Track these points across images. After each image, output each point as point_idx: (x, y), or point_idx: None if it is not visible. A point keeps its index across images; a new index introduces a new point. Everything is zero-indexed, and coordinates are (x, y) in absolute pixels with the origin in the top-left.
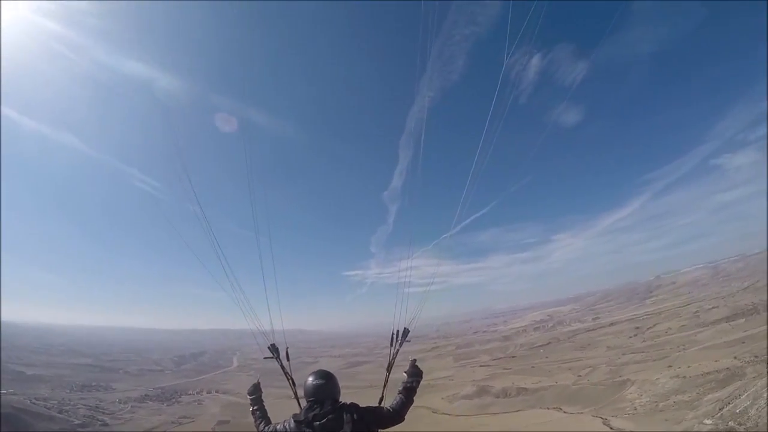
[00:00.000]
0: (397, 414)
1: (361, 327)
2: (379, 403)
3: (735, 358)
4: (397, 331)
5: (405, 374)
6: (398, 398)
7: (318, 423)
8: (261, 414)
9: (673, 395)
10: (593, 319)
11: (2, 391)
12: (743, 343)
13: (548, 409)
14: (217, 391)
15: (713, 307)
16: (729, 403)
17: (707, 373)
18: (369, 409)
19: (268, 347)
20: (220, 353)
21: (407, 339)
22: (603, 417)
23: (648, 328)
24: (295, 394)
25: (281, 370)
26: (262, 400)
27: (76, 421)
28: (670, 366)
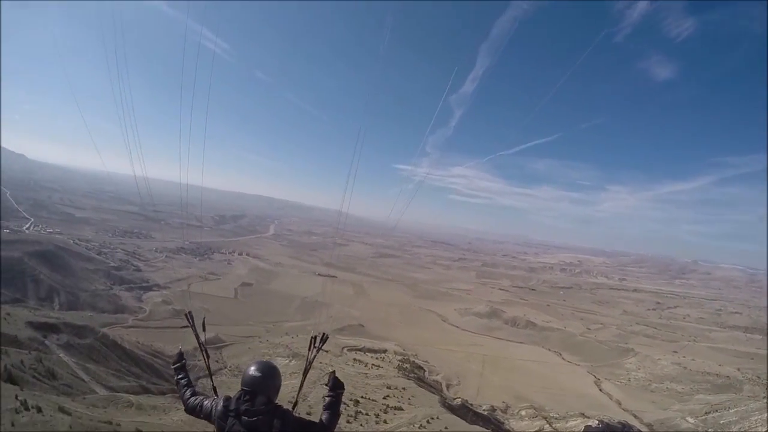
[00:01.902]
0: (328, 430)
1: (399, 222)
2: (293, 408)
3: (738, 369)
4: (317, 336)
5: (326, 387)
6: (325, 414)
7: (246, 419)
8: (186, 383)
9: (668, 381)
10: (620, 279)
11: (48, 230)
12: (752, 359)
13: (549, 350)
14: (248, 254)
15: (736, 312)
16: (716, 411)
17: (707, 373)
18: (301, 421)
19: (185, 314)
20: (259, 219)
21: (324, 349)
22: (597, 376)
23: (668, 308)
24: (208, 367)
25: (196, 339)
26: (186, 369)
27: (112, 264)
28: (676, 352)
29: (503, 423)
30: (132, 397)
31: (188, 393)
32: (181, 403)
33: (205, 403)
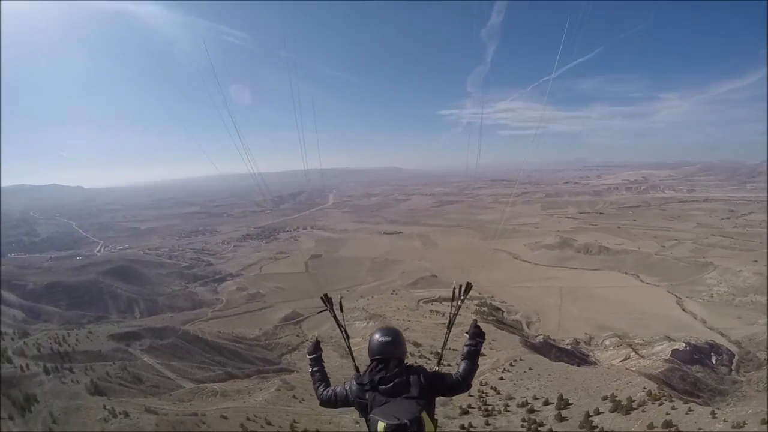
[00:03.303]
0: (465, 381)
1: (454, 167)
2: (438, 362)
3: None
4: (460, 285)
5: (467, 335)
6: (463, 364)
7: (384, 387)
8: (321, 376)
9: (752, 293)
10: (688, 191)
11: (118, 248)
12: None
13: (626, 274)
14: (312, 228)
15: None
16: None
17: None
18: (437, 375)
19: (321, 297)
20: (317, 192)
21: (468, 295)
22: (678, 295)
23: (743, 215)
24: (349, 348)
25: (334, 321)
26: (322, 361)
27: (184, 264)
28: (756, 261)
29: (588, 355)
30: (217, 386)
31: (321, 388)
32: (316, 395)
33: (338, 390)
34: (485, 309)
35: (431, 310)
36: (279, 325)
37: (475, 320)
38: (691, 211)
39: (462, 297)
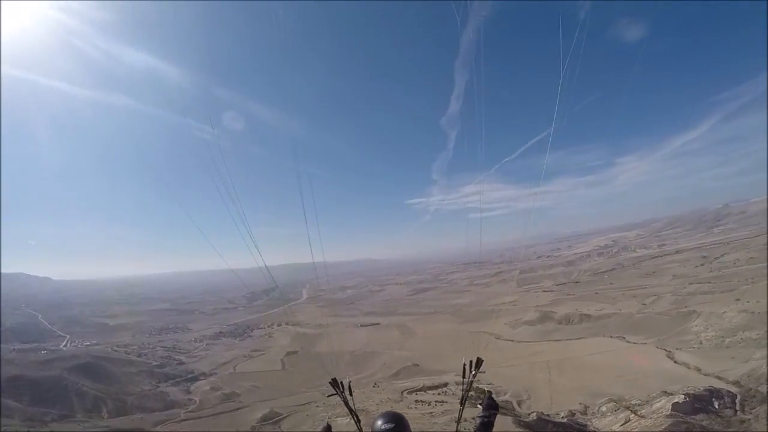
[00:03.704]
0: None
1: (426, 254)
2: None
3: None
4: (471, 361)
5: (480, 407)
6: None
7: None
8: None
9: (741, 331)
10: (659, 246)
11: (86, 343)
12: None
13: (611, 337)
14: (287, 323)
15: None
16: None
17: None
18: None
19: (329, 382)
20: (290, 287)
21: (482, 370)
22: (667, 349)
23: (715, 258)
24: (360, 430)
25: (345, 404)
26: None
27: (154, 363)
28: (738, 299)
29: (586, 425)
30: None
31: None
32: None
33: None
34: (472, 393)
35: (416, 400)
36: (257, 425)
37: (490, 392)
38: (664, 264)
39: (474, 372)
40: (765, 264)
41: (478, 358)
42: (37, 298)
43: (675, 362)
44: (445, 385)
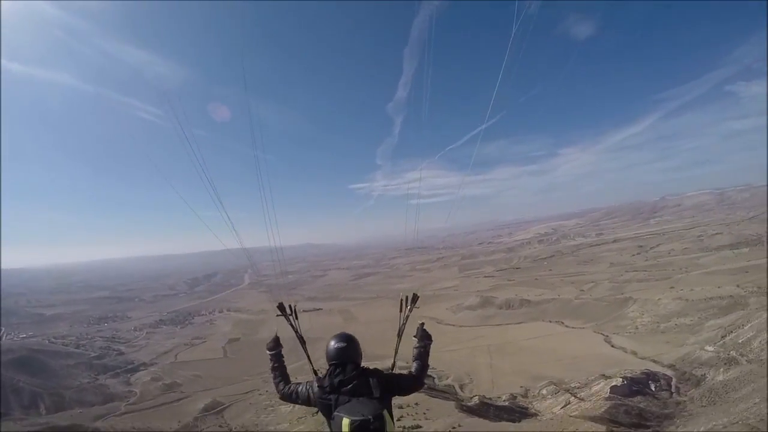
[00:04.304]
0: (418, 380)
1: (368, 239)
2: (391, 369)
3: (738, 286)
4: (407, 296)
5: (415, 339)
6: (414, 365)
7: (345, 388)
8: (281, 372)
9: (675, 317)
10: (597, 235)
11: (21, 336)
12: (746, 272)
13: (550, 322)
14: (228, 310)
15: (717, 233)
16: (731, 332)
17: (710, 299)
18: (392, 375)
19: (277, 306)
20: (232, 273)
21: (416, 306)
22: (604, 333)
23: (651, 248)
24: (307, 353)
25: (292, 328)
26: (282, 356)
27: (93, 354)
28: (672, 287)
29: (527, 408)
30: None
31: (282, 385)
32: (275, 390)
33: (300, 389)
34: None
35: None
36: (199, 416)
37: (422, 324)
38: (602, 253)
39: (409, 307)
40: (698, 254)
41: (414, 293)
42: None
43: (612, 346)
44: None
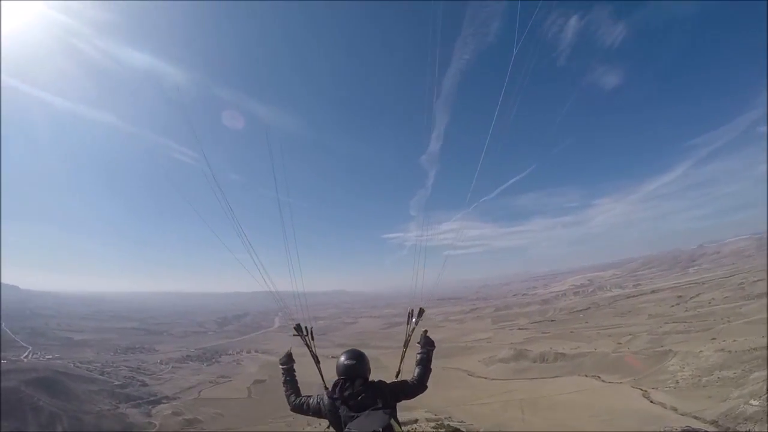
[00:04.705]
0: (421, 383)
1: (400, 288)
2: (396, 376)
3: None
4: (412, 310)
5: (418, 345)
6: (417, 369)
7: (353, 402)
8: (292, 386)
9: (717, 370)
10: (634, 286)
11: (47, 357)
12: None
13: (586, 376)
14: (256, 351)
15: (758, 280)
16: None
17: (754, 349)
18: (396, 383)
19: (294, 327)
20: (262, 314)
21: (421, 318)
22: (643, 389)
23: (691, 298)
24: (320, 370)
25: (307, 348)
26: (294, 371)
27: (116, 382)
28: (714, 338)
29: None
30: None
31: (293, 397)
32: (287, 402)
33: (311, 401)
34: (443, 431)
35: None
36: None
37: (425, 331)
38: (640, 304)
39: (415, 320)
40: (740, 303)
41: (420, 308)
42: (2, 306)
43: (651, 402)
44: (416, 421)
